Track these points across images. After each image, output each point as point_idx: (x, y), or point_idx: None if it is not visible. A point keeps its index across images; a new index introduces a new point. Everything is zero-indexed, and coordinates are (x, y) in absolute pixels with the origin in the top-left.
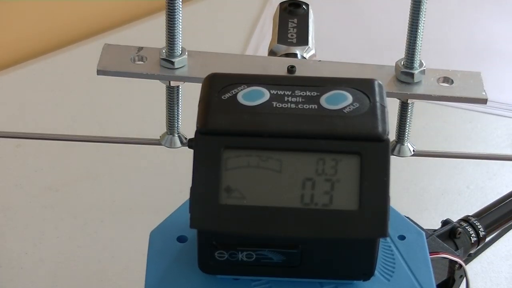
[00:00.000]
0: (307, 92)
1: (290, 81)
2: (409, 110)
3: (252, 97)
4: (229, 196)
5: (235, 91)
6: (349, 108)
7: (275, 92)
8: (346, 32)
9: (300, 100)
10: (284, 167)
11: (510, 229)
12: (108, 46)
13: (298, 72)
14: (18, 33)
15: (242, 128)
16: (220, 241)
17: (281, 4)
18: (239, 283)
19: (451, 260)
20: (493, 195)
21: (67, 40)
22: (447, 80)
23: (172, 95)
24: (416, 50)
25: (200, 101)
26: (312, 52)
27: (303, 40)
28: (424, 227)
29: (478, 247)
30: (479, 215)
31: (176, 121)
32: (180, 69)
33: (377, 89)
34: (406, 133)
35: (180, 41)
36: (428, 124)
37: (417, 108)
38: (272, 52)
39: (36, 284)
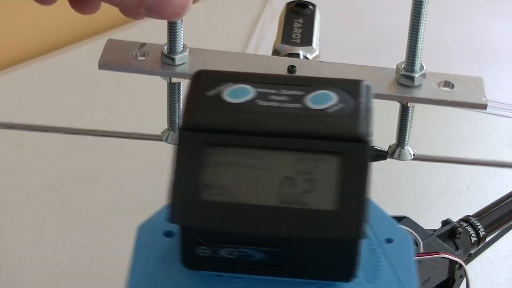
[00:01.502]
0: (294, 91)
1: (279, 80)
2: (410, 114)
3: (237, 94)
4: (209, 192)
5: (220, 88)
6: (333, 108)
7: (261, 91)
8: (347, 33)
9: (285, 99)
10: (265, 165)
11: (510, 229)
12: (111, 41)
13: (299, 72)
14: (18, 33)
15: (225, 125)
16: (201, 237)
17: (287, 4)
18: (222, 280)
19: (451, 260)
20: (493, 195)
21: (67, 40)
22: (447, 84)
23: (173, 92)
24: (417, 53)
25: (185, 97)
26: (316, 53)
27: (307, 40)
28: (424, 227)
29: (478, 247)
30: (479, 215)
31: (177, 117)
32: (181, 66)
33: (364, 90)
34: (407, 137)
35: (182, 38)
36: (428, 124)
37: (417, 108)
38: (276, 52)
39: (36, 284)
